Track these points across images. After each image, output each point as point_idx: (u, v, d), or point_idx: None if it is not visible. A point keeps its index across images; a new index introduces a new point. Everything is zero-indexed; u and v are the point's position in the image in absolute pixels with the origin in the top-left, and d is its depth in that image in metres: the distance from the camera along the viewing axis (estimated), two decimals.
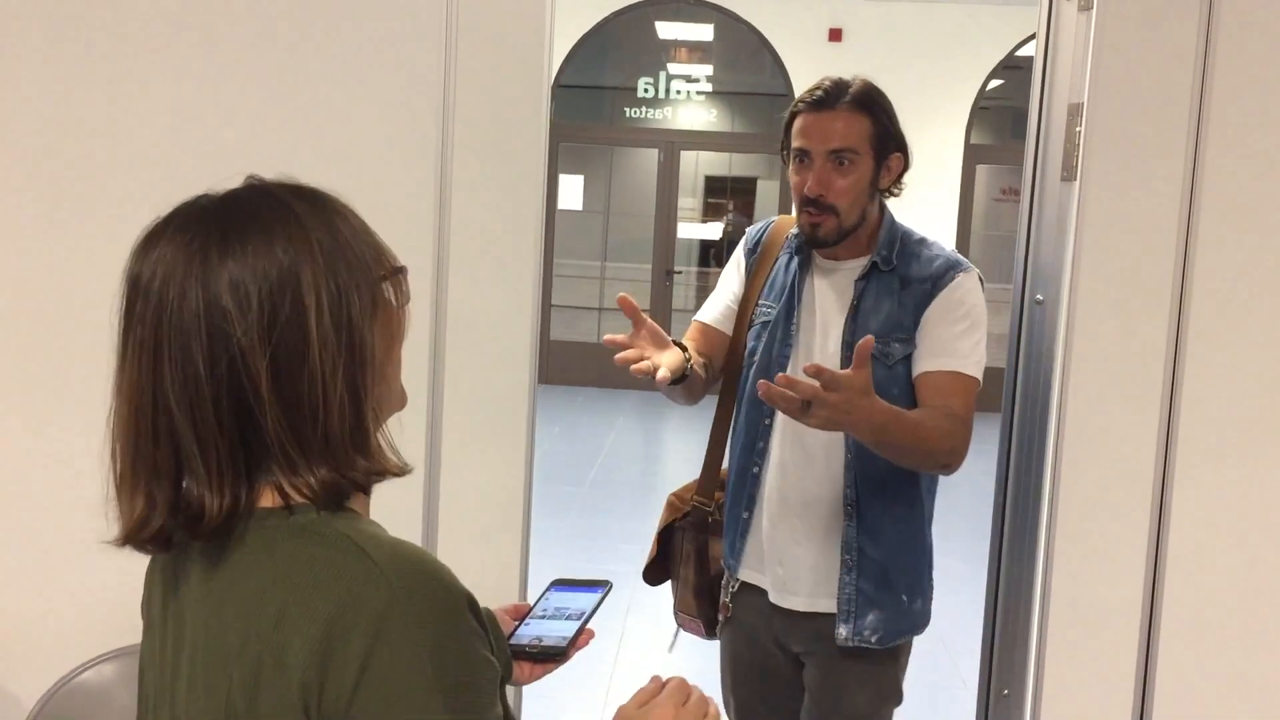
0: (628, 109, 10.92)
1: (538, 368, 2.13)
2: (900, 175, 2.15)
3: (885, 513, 2.11)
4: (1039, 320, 2.14)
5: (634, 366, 1.92)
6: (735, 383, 2.26)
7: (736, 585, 2.25)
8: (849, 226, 2.09)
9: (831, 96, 2.07)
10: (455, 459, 2.08)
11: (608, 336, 1.98)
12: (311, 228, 1.01)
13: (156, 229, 1.03)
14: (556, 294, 10.70)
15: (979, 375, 2.07)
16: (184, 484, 0.99)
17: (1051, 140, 2.12)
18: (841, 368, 2.03)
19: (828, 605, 2.14)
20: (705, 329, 2.30)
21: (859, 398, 1.78)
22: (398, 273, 1.08)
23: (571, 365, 10.33)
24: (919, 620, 2.18)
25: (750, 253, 2.31)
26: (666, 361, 1.99)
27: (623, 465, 8.07)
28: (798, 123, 2.10)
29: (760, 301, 2.22)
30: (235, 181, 1.07)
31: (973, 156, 10.23)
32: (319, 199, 1.06)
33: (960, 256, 2.15)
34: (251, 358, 0.96)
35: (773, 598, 2.19)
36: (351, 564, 0.96)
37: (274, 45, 2.05)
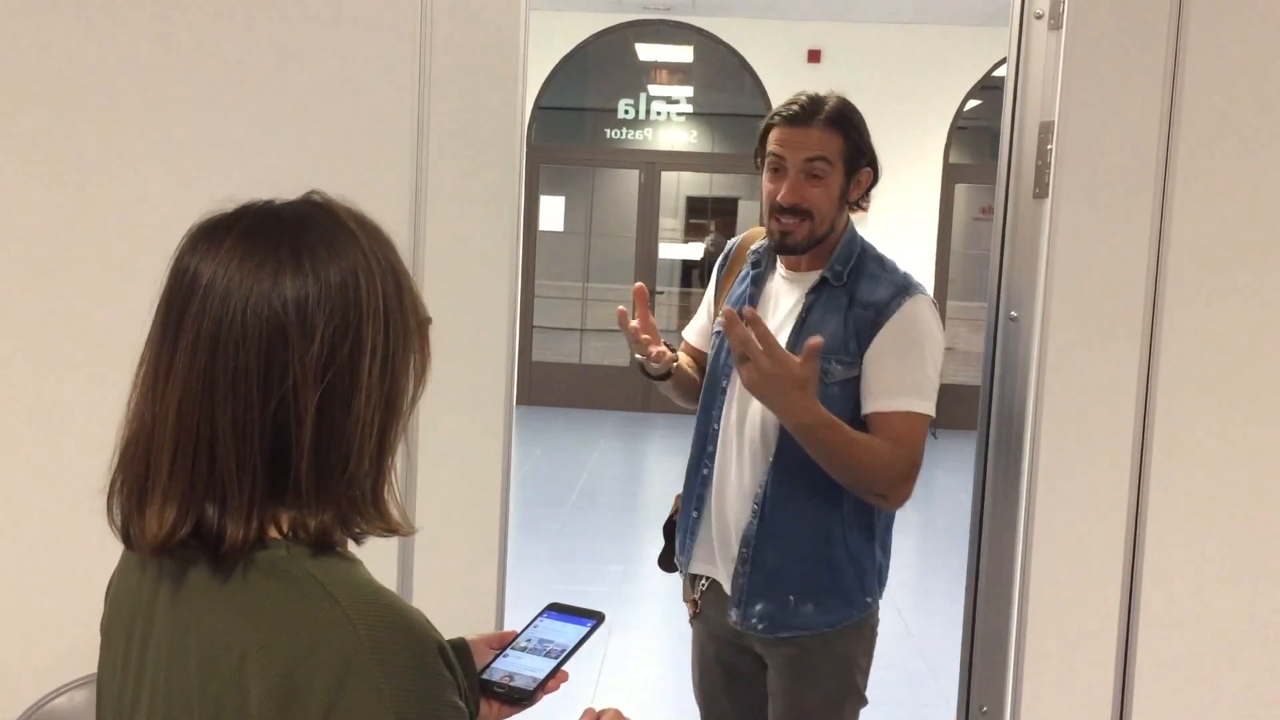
0: (608, 130, 10.96)
1: (515, 388, 2.13)
2: (868, 189, 2.21)
3: (790, 519, 2.14)
4: (1013, 337, 2.16)
5: (640, 342, 2.22)
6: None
7: (706, 584, 2.28)
8: (820, 234, 2.14)
9: (807, 113, 2.13)
10: (431, 480, 2.08)
11: (621, 308, 2.22)
12: (376, 268, 0.99)
13: (218, 225, 0.99)
14: (538, 315, 10.69)
15: (930, 409, 2.09)
16: (207, 505, 0.95)
17: (1024, 158, 2.13)
18: None
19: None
20: (688, 346, 2.45)
21: (789, 385, 1.92)
22: (426, 323, 1.06)
23: (554, 386, 10.31)
24: (810, 622, 2.14)
25: (722, 265, 2.40)
26: (659, 349, 2.25)
27: (605, 486, 8.06)
28: (774, 134, 2.16)
29: (720, 312, 2.26)
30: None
31: (951, 176, 10.30)
32: (380, 234, 1.04)
33: (911, 280, 2.16)
34: (303, 391, 0.94)
35: (727, 587, 2.23)
36: (317, 608, 0.93)
37: (250, 64, 2.05)
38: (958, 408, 9.80)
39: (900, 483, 2.06)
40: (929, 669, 4.48)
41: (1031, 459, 2.07)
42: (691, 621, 2.38)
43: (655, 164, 10.76)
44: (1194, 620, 2.06)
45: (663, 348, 2.27)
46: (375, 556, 2.13)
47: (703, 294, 2.48)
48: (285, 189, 1.05)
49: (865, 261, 2.17)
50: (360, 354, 0.96)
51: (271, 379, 0.94)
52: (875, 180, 2.21)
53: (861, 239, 2.20)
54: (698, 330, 2.43)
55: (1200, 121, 1.99)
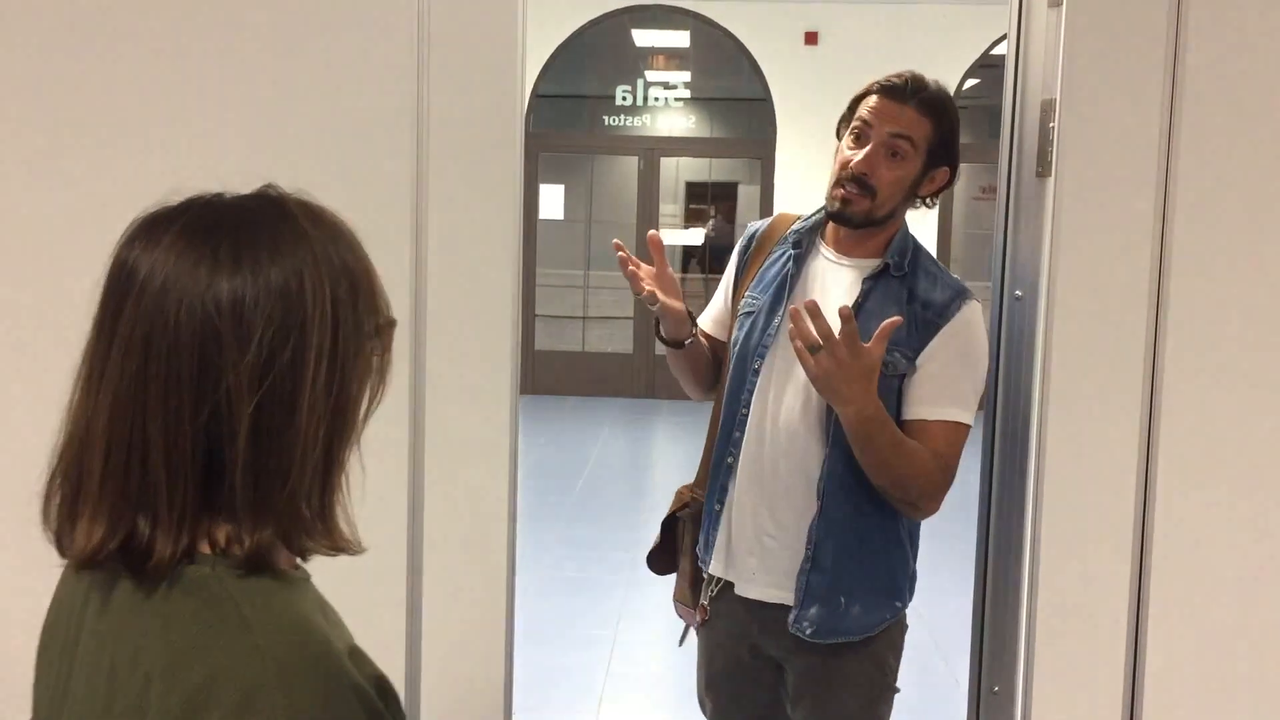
0: (606, 117, 10.93)
1: (520, 377, 2.13)
2: (941, 189, 2.14)
3: (849, 514, 2.09)
4: (1018, 316, 2.15)
5: (636, 280, 2.12)
6: (725, 377, 2.24)
7: (716, 588, 2.22)
8: (879, 216, 2.08)
9: (908, 90, 2.07)
10: (438, 469, 2.08)
11: (617, 240, 2.18)
12: (325, 269, 0.92)
13: (160, 218, 0.93)
14: (540, 304, 10.69)
15: (971, 420, 2.07)
16: (138, 518, 0.90)
17: (1026, 137, 2.12)
18: None
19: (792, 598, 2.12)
20: (703, 334, 2.33)
21: (859, 374, 1.89)
22: (389, 325, 1.00)
23: (557, 375, 10.31)
24: (856, 625, 2.11)
25: (744, 249, 2.31)
26: (667, 301, 2.15)
27: (610, 473, 8.07)
28: (867, 102, 2.09)
29: (749, 293, 2.21)
30: (225, 180, 0.99)
31: None
32: (339, 230, 0.97)
33: (965, 285, 2.13)
34: (237, 400, 0.88)
35: (740, 589, 2.17)
36: (230, 633, 0.87)
37: (248, 58, 2.04)
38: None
39: (935, 494, 2.03)
40: (939, 650, 4.49)
41: (1039, 438, 2.06)
42: (698, 630, 2.30)
43: (654, 150, 10.74)
44: (1204, 597, 2.06)
45: (676, 304, 2.17)
46: (384, 547, 2.12)
47: (703, 278, 2.42)
48: (284, 182, 1.03)
49: (920, 256, 2.13)
50: (303, 361, 0.90)
51: (204, 386, 0.88)
52: (950, 183, 2.14)
53: (913, 235, 2.16)
54: (714, 318, 2.33)
55: (1203, 96, 1.98)
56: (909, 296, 2.07)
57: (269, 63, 2.04)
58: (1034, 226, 2.11)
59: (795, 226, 2.22)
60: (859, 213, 2.07)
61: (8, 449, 2.09)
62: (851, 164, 2.06)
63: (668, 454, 8.79)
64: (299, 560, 0.97)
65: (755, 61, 10.28)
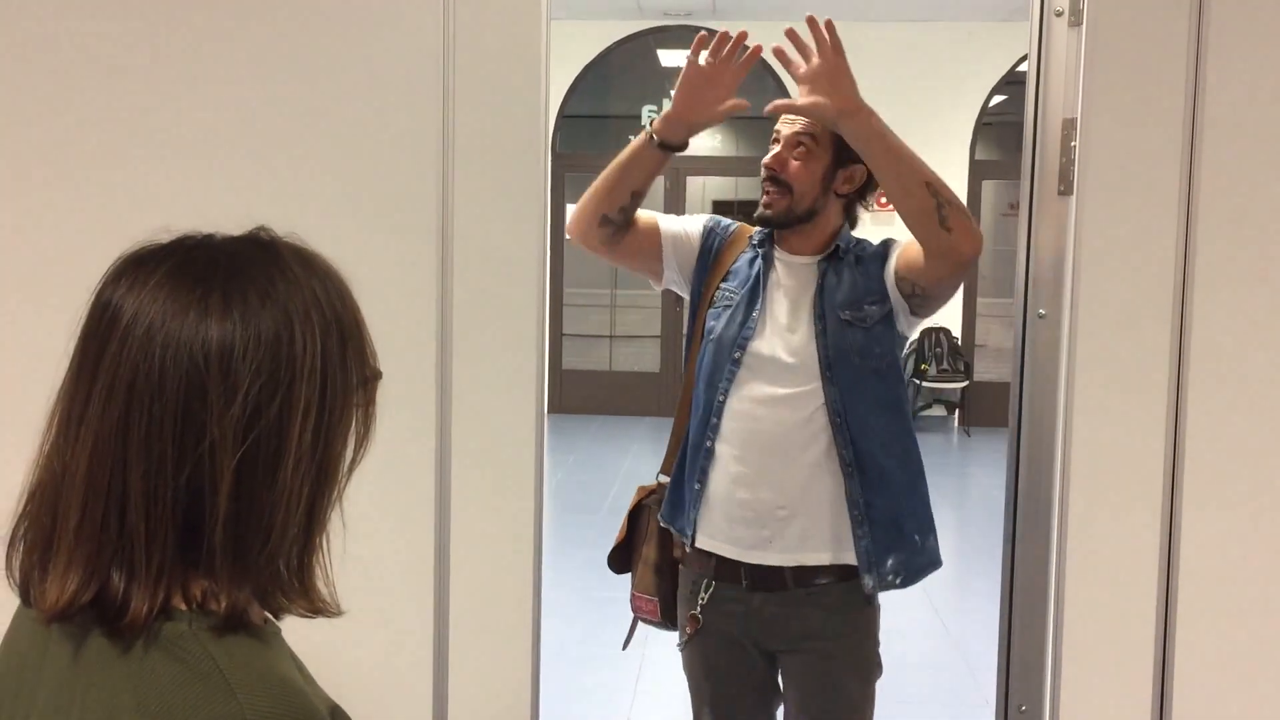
0: (633, 137, 10.96)
1: (548, 396, 2.15)
2: (862, 187, 2.27)
3: (884, 463, 2.19)
4: (1042, 335, 2.15)
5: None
6: (694, 363, 2.34)
7: (707, 596, 2.26)
8: (799, 211, 2.23)
9: None
10: (465, 488, 2.10)
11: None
12: (316, 319, 0.90)
13: (148, 257, 0.91)
14: (568, 323, 10.72)
15: None
16: (113, 571, 0.86)
17: (1047, 155, 2.13)
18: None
19: (817, 558, 2.19)
20: (654, 225, 2.39)
21: (842, 68, 2.08)
22: (376, 378, 0.96)
23: (585, 394, 10.33)
24: (934, 556, 2.26)
25: (718, 235, 2.39)
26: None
27: None
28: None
29: (722, 285, 2.32)
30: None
31: (978, 172, 10.25)
32: (332, 279, 0.94)
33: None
34: (220, 455, 0.85)
35: (748, 557, 2.21)
36: (211, 700, 0.83)
37: (274, 80, 2.08)
38: (990, 405, 9.77)
39: (968, 224, 2.08)
40: (969, 669, 4.46)
41: (1064, 456, 2.06)
42: (688, 644, 2.32)
43: (680, 169, 10.77)
44: (1233, 615, 2.05)
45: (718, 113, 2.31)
46: (410, 566, 2.14)
47: None
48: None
49: (863, 242, 2.30)
50: (290, 416, 0.87)
51: (187, 439, 0.85)
52: (869, 178, 2.23)
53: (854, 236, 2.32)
54: (673, 234, 2.39)
55: (1224, 115, 1.99)
56: (857, 261, 2.25)
57: (294, 84, 2.07)
58: (1056, 245, 2.11)
59: (757, 234, 2.36)
60: (780, 211, 2.24)
61: None
62: (763, 162, 2.25)
63: None
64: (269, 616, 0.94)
65: (781, 81, 10.30)
